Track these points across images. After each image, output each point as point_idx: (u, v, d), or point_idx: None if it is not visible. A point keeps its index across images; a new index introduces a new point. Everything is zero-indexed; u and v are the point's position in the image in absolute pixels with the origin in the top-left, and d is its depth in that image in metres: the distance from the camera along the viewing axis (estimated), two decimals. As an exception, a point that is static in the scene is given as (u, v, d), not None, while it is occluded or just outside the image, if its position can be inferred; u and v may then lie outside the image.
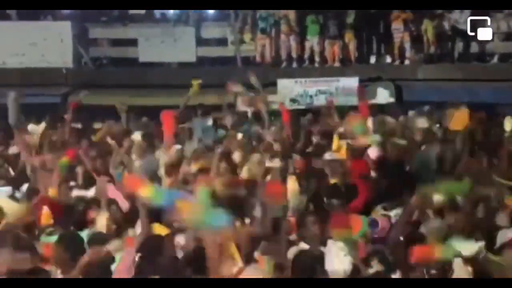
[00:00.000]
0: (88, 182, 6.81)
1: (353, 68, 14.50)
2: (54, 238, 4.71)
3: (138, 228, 5.07)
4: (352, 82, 13.78)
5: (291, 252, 4.54)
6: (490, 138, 8.43)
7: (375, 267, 4.21)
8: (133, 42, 15.59)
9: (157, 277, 3.85)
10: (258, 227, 4.67)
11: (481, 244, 3.75)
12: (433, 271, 4.16)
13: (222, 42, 15.77)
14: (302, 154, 7.74)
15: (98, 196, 5.96)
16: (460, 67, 14.26)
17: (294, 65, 14.88)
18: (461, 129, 7.23)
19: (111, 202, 5.67)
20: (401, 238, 4.42)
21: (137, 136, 8.58)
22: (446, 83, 13.96)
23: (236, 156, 7.15)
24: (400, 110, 11.40)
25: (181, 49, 15.28)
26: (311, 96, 13.91)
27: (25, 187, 6.98)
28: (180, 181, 6.38)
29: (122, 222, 5.41)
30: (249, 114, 11.14)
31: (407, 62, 14.50)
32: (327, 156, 7.45)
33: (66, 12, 15.75)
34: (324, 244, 4.78)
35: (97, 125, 10.15)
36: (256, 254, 4.87)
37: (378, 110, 10.98)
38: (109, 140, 8.49)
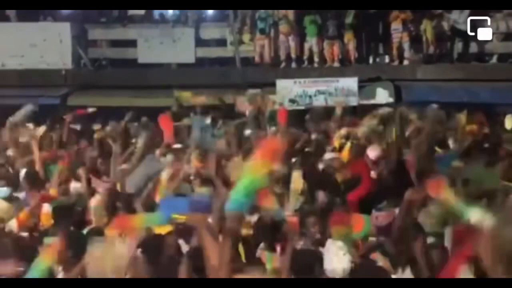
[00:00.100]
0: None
1: (353, 68, 14.51)
2: (55, 239, 4.70)
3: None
4: (351, 82, 13.81)
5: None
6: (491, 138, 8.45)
7: (380, 262, 4.22)
8: (132, 43, 15.61)
9: (156, 276, 3.83)
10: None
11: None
12: (430, 239, 4.24)
13: (221, 42, 15.77)
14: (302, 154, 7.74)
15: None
16: (459, 67, 14.28)
17: (293, 65, 14.89)
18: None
19: None
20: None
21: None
22: (446, 83, 13.97)
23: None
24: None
25: (180, 50, 15.30)
26: (310, 97, 13.90)
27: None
28: (181, 180, 6.38)
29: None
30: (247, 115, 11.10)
31: (406, 62, 14.51)
32: (327, 156, 7.45)
33: (65, 13, 15.76)
34: (323, 244, 4.77)
35: (96, 126, 10.13)
36: (259, 252, 4.88)
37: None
38: (109, 141, 8.48)
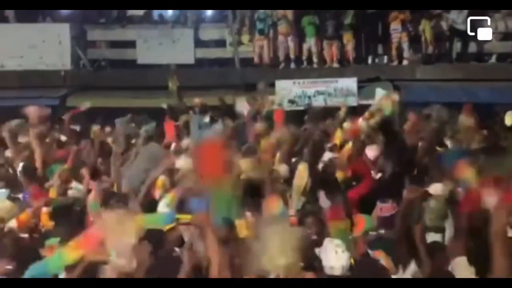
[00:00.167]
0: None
1: (352, 68, 14.52)
2: (57, 240, 4.70)
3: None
4: (350, 82, 13.81)
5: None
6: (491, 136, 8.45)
7: (382, 260, 4.23)
8: (131, 44, 15.61)
9: (156, 270, 3.83)
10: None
11: None
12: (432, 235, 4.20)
13: (220, 43, 15.78)
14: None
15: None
16: (458, 67, 14.29)
17: (292, 66, 14.90)
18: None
19: None
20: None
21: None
22: (445, 83, 13.99)
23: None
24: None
25: (179, 50, 15.30)
26: (309, 97, 13.92)
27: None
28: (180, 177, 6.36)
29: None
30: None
31: (405, 62, 14.52)
32: (327, 155, 7.44)
33: (64, 14, 15.77)
34: (319, 245, 4.77)
35: (95, 127, 10.13)
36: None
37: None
38: (109, 141, 8.49)
